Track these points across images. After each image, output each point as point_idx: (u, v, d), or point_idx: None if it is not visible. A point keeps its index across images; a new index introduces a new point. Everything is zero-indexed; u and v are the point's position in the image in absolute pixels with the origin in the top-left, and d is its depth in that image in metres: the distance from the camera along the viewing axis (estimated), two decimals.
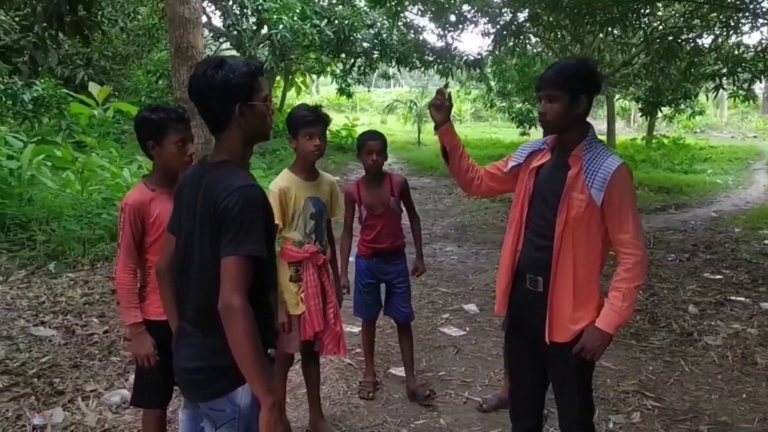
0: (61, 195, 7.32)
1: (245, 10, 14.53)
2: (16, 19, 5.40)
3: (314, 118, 3.14)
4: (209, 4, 14.52)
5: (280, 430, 1.84)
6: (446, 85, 2.86)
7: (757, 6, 8.70)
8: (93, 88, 11.13)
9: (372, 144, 3.70)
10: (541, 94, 2.55)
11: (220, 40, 15.76)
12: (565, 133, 2.57)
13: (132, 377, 3.59)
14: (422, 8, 12.54)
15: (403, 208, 3.95)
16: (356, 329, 5.17)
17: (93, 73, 12.71)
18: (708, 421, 3.78)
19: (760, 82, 9.03)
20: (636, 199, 2.58)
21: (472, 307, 5.75)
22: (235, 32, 14.56)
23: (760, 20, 9.01)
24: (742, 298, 6.12)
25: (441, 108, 2.71)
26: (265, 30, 14.74)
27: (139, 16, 13.60)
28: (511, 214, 2.77)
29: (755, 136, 27.41)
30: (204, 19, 9.82)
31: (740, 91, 10.92)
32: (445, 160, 2.86)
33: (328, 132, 3.39)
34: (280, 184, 3.17)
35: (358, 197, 3.84)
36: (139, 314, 2.61)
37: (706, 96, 15.47)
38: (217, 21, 15.26)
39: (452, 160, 2.80)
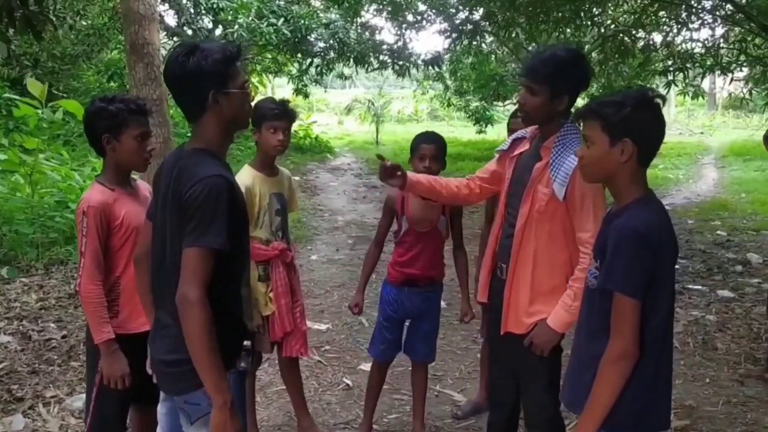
0: (11, 199, 7.07)
1: (200, 8, 14.27)
2: None
3: (279, 112, 3.05)
4: (162, 3, 14.20)
5: (232, 430, 1.78)
6: (379, 156, 2.80)
7: (701, 2, 8.98)
8: (32, 86, 10.66)
9: (426, 148, 3.16)
10: (523, 82, 2.48)
11: (174, 39, 15.43)
12: (545, 125, 2.51)
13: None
14: (379, 7, 12.55)
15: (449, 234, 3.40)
16: (323, 327, 5.13)
17: (41, 73, 12.27)
18: (674, 405, 3.84)
19: (714, 75, 9.29)
20: (603, 199, 2.40)
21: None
22: (189, 31, 14.30)
23: (708, 16, 9.29)
24: (699, 287, 6.29)
25: (391, 174, 2.69)
26: (220, 29, 14.52)
27: (89, 15, 13.19)
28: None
29: (702, 133, 28.14)
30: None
31: (690, 88, 11.24)
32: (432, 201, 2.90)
33: None
34: (244, 182, 2.95)
35: (401, 206, 3.27)
36: (111, 330, 2.39)
37: None
38: (171, 20, 14.96)
39: (437, 199, 2.84)
